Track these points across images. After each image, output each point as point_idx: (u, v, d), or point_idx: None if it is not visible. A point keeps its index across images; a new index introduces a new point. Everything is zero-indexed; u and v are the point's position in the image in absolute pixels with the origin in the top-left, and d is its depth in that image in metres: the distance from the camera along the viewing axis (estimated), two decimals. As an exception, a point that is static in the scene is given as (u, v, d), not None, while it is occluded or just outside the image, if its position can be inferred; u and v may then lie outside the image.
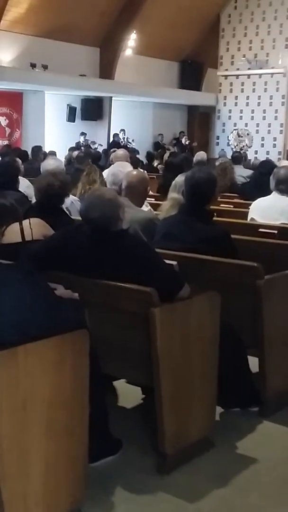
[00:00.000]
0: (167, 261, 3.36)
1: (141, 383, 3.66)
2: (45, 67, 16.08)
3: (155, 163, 15.16)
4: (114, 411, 3.29)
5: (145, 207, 4.97)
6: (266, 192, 5.41)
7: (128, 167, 5.77)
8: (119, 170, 5.47)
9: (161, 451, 3.08)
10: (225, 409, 3.69)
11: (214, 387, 3.28)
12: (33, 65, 15.85)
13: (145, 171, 7.31)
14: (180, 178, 4.82)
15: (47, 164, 6.13)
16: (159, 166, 14.07)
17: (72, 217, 4.61)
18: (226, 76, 20.12)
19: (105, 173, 6.60)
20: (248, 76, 19.48)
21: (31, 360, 2.41)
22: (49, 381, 2.49)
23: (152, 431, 3.19)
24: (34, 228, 3.49)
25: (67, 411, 2.56)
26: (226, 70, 20.13)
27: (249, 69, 19.36)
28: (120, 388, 3.91)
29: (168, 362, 3.00)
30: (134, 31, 17.84)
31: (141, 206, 4.57)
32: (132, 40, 18.06)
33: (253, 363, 3.70)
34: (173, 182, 5.05)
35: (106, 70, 18.02)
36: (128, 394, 3.88)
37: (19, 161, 6.52)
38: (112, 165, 6.66)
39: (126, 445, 3.22)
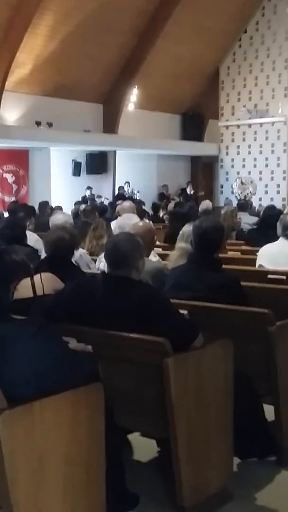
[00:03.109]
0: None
1: (156, 435, 3.61)
2: (50, 124, 16.40)
3: (161, 214, 15.31)
4: (130, 465, 3.25)
5: (154, 257, 5.01)
6: (272, 238, 5.45)
7: (134, 218, 5.84)
8: (125, 223, 5.54)
9: (179, 504, 3.03)
10: (242, 459, 3.63)
11: (230, 437, 3.24)
12: (38, 123, 16.18)
13: (151, 222, 7.38)
14: (187, 228, 4.86)
15: (56, 219, 6.20)
16: (165, 216, 14.18)
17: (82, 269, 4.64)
18: (227, 126, 20.46)
19: (113, 224, 6.67)
20: (249, 125, 19.80)
21: (47, 415, 2.40)
22: (65, 436, 2.47)
23: (169, 484, 3.14)
24: (46, 282, 3.51)
25: (83, 466, 2.53)
26: (227, 120, 20.47)
27: (249, 118, 19.68)
28: (135, 441, 3.86)
29: (183, 413, 2.97)
30: (136, 86, 18.25)
31: (148, 257, 4.60)
32: (134, 95, 18.46)
33: (269, 411, 3.66)
34: (181, 232, 5.10)
35: (110, 125, 18.36)
36: (143, 447, 3.83)
37: (32, 217, 6.60)
38: (119, 217, 6.74)
39: (143, 500, 3.16)
